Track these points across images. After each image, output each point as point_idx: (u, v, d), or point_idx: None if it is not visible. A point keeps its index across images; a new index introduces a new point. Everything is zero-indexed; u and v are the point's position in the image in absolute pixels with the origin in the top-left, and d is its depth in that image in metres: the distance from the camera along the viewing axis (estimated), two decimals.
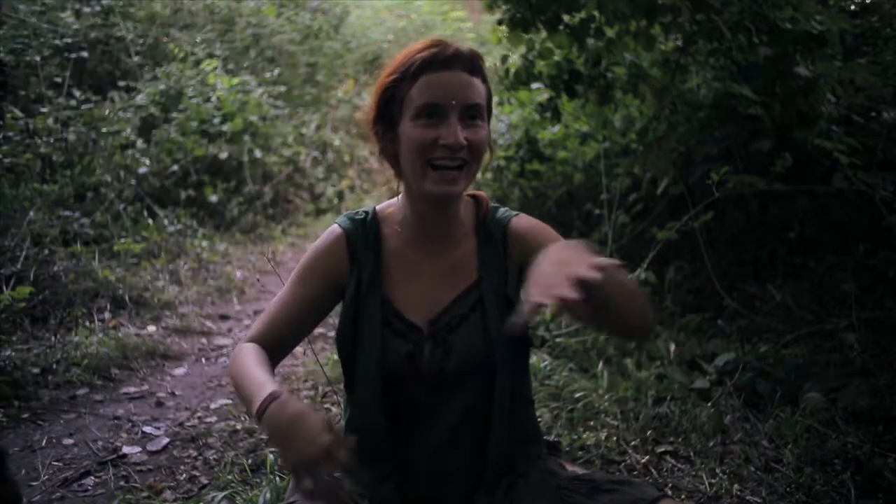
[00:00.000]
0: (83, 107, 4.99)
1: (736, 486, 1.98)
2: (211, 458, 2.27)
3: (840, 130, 2.89)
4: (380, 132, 1.22)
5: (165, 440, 2.39)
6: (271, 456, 2.06)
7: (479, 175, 1.27)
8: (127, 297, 3.72)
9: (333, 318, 1.39)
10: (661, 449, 2.21)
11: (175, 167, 5.50)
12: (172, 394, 2.84)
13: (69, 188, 4.40)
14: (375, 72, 1.34)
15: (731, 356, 2.70)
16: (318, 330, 2.99)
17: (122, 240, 4.34)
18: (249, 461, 2.16)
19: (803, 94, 3.00)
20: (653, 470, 2.09)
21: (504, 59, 3.80)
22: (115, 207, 4.64)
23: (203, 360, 3.24)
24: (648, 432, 2.28)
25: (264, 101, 6.32)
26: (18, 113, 4.48)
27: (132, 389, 2.84)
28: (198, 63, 6.23)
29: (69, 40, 5.44)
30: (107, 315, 3.51)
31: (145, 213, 4.95)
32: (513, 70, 3.64)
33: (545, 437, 1.40)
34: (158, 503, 1.98)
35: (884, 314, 2.73)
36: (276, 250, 5.12)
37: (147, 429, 2.49)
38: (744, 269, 3.39)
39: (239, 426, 2.44)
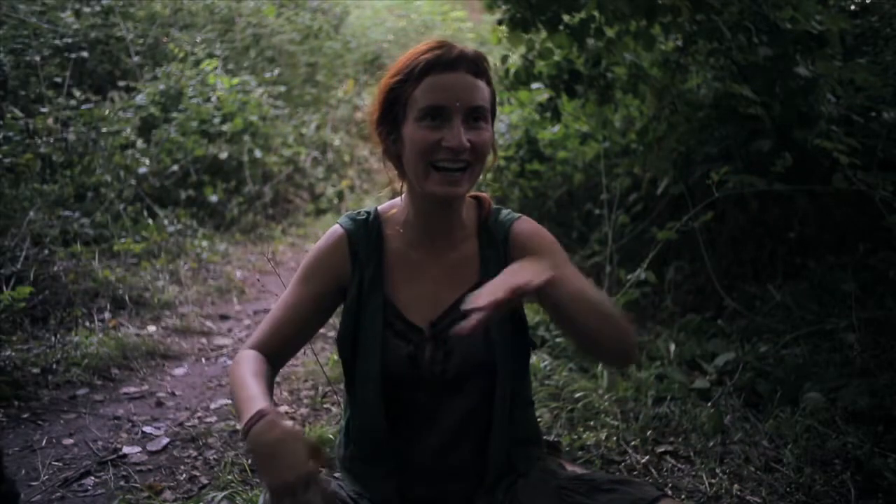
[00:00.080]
0: (83, 107, 4.97)
1: (736, 486, 1.98)
2: (211, 458, 2.27)
3: (840, 130, 2.89)
4: (383, 133, 1.21)
5: (165, 440, 2.39)
6: None
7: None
8: (127, 297, 3.72)
9: (334, 319, 1.39)
10: (661, 449, 2.21)
11: (175, 167, 5.50)
12: (172, 394, 2.84)
13: (69, 188, 4.39)
14: (376, 72, 1.34)
15: (731, 356, 2.71)
16: (319, 330, 2.98)
17: (122, 240, 4.33)
18: (249, 461, 2.15)
19: (803, 94, 3.00)
20: (653, 470, 2.09)
21: (504, 59, 3.80)
22: (115, 207, 4.63)
23: (203, 360, 3.24)
24: (648, 432, 2.29)
25: (264, 101, 6.32)
26: (18, 113, 4.47)
27: (132, 389, 2.84)
28: (198, 63, 6.23)
29: (69, 40, 5.44)
30: (107, 315, 3.51)
31: (145, 213, 4.94)
32: (513, 70, 3.64)
33: (545, 437, 1.40)
34: (158, 503, 1.98)
35: (884, 314, 2.73)
36: (276, 250, 5.12)
37: (147, 429, 2.49)
38: (744, 269, 3.39)
39: (239, 426, 2.43)
